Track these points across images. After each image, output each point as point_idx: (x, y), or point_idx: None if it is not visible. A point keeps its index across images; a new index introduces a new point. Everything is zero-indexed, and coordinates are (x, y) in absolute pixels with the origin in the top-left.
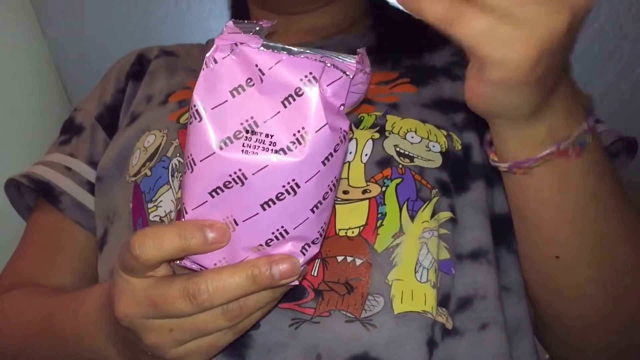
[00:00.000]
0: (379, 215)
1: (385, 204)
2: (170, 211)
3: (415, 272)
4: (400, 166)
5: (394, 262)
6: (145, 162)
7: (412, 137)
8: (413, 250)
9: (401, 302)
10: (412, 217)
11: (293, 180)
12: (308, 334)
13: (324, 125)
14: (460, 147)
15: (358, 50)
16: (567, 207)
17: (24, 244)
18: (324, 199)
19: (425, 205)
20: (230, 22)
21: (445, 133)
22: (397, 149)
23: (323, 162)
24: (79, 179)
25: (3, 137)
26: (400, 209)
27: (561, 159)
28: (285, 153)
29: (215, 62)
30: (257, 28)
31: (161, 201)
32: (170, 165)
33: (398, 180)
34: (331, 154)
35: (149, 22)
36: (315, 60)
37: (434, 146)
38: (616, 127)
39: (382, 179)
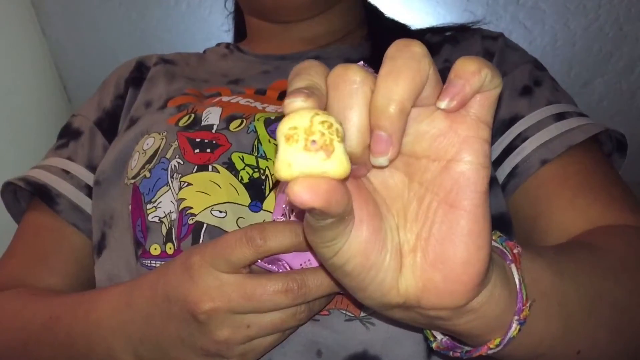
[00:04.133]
0: None
1: None
2: (170, 212)
3: None
4: None
5: None
6: (145, 165)
7: None
8: None
9: None
10: None
11: None
12: (308, 331)
13: None
14: None
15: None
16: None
17: (17, 244)
18: None
19: None
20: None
21: None
22: None
23: None
24: (77, 182)
25: (3, 137)
26: None
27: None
28: None
29: None
30: None
31: (160, 202)
32: (170, 166)
33: None
34: None
35: (149, 22)
36: None
37: None
38: (616, 128)
39: None
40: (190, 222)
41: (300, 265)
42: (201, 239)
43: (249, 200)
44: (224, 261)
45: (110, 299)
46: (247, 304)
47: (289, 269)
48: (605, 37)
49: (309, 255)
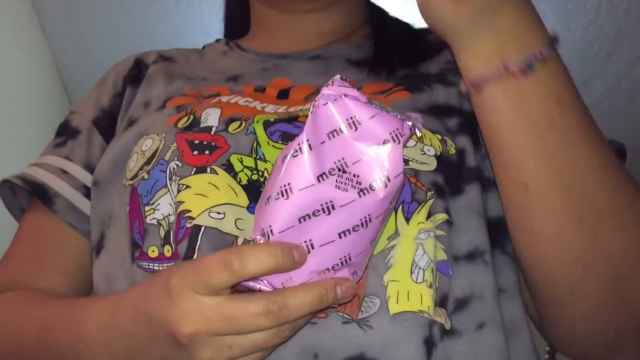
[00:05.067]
0: None
1: None
2: (169, 214)
3: (411, 273)
4: None
5: (390, 264)
6: (143, 166)
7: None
8: (408, 252)
9: (397, 303)
10: (407, 219)
11: (369, 215)
12: (305, 334)
13: (400, 174)
14: (454, 151)
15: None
16: (523, 132)
17: (16, 245)
18: (378, 234)
19: (420, 206)
20: (338, 76)
21: (439, 137)
22: None
23: (390, 202)
24: (75, 182)
25: (3, 136)
26: (396, 212)
27: (511, 80)
28: (368, 192)
29: (318, 107)
30: (358, 87)
31: (159, 204)
32: (168, 168)
33: None
34: (395, 196)
35: (148, 22)
36: (402, 119)
37: (428, 150)
38: (616, 128)
39: None
40: (188, 225)
41: (282, 283)
42: (198, 242)
43: (248, 202)
44: (203, 285)
45: (96, 315)
46: (228, 327)
47: (270, 287)
48: (605, 37)
49: (290, 274)
